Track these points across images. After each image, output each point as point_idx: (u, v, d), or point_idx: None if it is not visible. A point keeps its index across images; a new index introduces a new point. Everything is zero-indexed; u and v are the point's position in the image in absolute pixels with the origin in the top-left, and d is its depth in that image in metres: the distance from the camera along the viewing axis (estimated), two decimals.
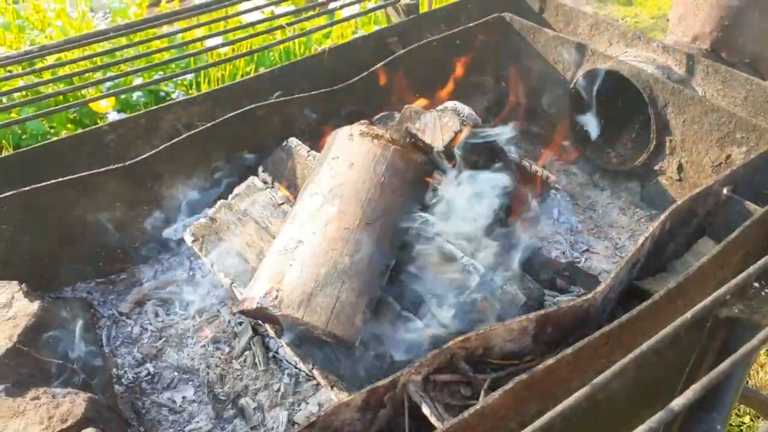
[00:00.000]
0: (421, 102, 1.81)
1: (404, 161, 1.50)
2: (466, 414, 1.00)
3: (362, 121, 1.75)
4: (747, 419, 2.64)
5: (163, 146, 1.72)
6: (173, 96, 3.39)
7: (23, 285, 1.40)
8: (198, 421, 1.46)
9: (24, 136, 3.14)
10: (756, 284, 1.45)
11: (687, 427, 1.31)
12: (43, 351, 1.30)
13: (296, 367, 1.52)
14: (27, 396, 1.17)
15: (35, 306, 1.33)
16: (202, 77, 3.50)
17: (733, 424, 2.62)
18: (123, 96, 3.25)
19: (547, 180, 1.89)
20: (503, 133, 1.56)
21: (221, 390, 1.52)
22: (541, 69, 2.13)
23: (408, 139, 1.59)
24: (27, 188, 1.58)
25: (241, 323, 1.63)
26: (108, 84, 3.07)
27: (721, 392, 1.32)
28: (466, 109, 1.54)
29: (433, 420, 1.09)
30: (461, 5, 2.31)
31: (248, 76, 2.00)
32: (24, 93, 2.84)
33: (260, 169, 1.75)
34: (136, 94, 3.32)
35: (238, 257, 1.54)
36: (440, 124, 1.53)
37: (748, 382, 2.71)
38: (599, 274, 1.74)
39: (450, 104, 1.55)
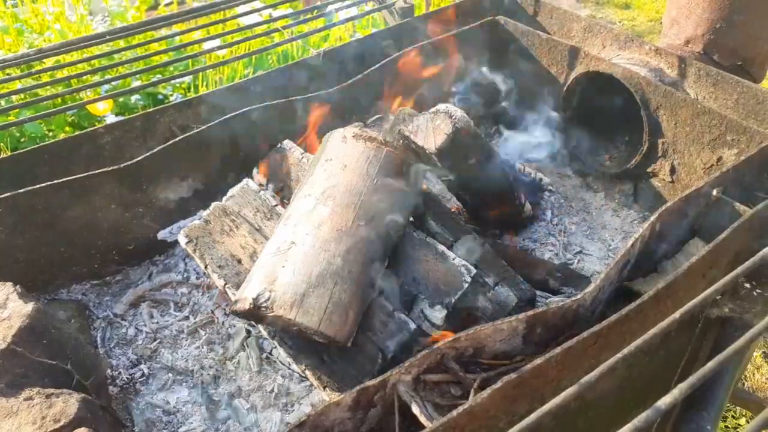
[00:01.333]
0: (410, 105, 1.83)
1: (397, 163, 1.51)
2: (455, 413, 1.01)
3: (356, 124, 1.77)
4: (743, 421, 2.64)
5: (158, 148, 1.73)
6: (171, 99, 3.40)
7: (18, 286, 1.40)
8: (192, 422, 1.47)
9: (22, 139, 3.15)
10: (747, 285, 1.46)
11: (676, 426, 1.32)
12: (37, 352, 1.31)
13: (289, 368, 1.53)
14: (20, 396, 1.18)
15: (29, 307, 1.33)
16: (200, 80, 3.51)
17: (730, 426, 2.62)
18: (121, 99, 3.26)
19: (540, 182, 1.90)
20: None
21: (215, 391, 1.53)
22: (535, 72, 2.14)
23: (401, 141, 1.60)
24: (22, 190, 1.59)
25: (234, 324, 1.64)
26: (106, 87, 3.09)
27: (711, 391, 1.33)
28: (458, 112, 1.55)
29: (422, 419, 1.10)
30: (456, 8, 2.33)
31: (244, 79, 2.01)
32: (22, 95, 2.85)
33: (254, 171, 1.76)
34: (134, 97, 3.33)
35: (232, 259, 1.55)
36: (433, 126, 1.54)
37: (744, 384, 2.71)
38: (592, 275, 1.75)
39: (442, 107, 1.56)
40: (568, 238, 1.89)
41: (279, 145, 1.78)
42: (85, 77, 2.60)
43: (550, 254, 1.83)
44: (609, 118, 2.03)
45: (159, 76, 3.28)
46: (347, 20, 2.68)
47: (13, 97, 2.85)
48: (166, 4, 4.16)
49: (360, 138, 1.53)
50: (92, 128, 1.81)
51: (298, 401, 1.48)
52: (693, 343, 1.50)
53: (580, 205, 2.03)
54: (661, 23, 5.00)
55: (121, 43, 2.97)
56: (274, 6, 2.83)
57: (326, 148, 1.56)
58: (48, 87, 2.54)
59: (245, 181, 1.69)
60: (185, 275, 1.78)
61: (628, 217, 1.99)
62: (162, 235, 1.78)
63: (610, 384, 1.30)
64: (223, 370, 1.57)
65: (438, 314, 1.40)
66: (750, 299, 1.44)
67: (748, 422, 2.63)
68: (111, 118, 3.14)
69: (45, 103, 2.90)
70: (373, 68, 1.99)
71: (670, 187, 1.89)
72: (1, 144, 3.01)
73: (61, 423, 1.14)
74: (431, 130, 1.53)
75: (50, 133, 3.23)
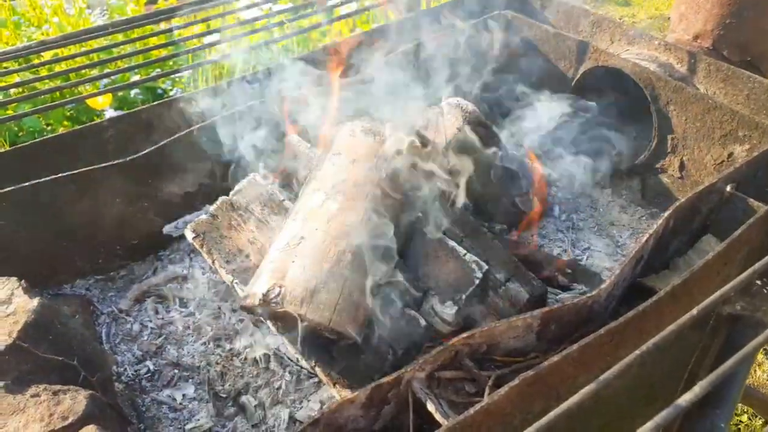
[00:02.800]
0: None
1: (407, 157, 1.49)
2: (471, 411, 0.99)
3: (364, 118, 1.75)
4: (745, 418, 2.64)
5: (163, 142, 1.71)
6: (171, 93, 3.37)
7: (23, 281, 1.38)
8: (198, 419, 1.45)
9: (21, 134, 3.12)
10: (758, 282, 1.45)
11: (690, 424, 1.31)
12: (43, 348, 1.28)
13: (298, 365, 1.51)
14: (27, 393, 1.16)
15: (35, 302, 1.31)
16: (200, 75, 3.48)
17: (731, 422, 2.62)
18: (120, 93, 3.23)
19: (548, 177, 1.89)
20: None
21: (222, 387, 1.51)
22: (543, 67, 2.12)
23: (411, 135, 1.58)
24: (26, 184, 1.57)
25: (242, 320, 1.62)
26: (105, 81, 3.06)
27: (724, 389, 1.32)
28: (470, 106, 1.53)
29: (438, 417, 1.09)
30: (462, 2, 2.31)
31: (246, 73, 1.99)
32: (20, 89, 2.82)
33: (261, 165, 1.74)
34: (133, 92, 3.30)
35: (240, 254, 1.53)
36: (443, 120, 1.52)
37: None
38: (601, 271, 1.73)
39: (453, 100, 1.55)
40: (576, 234, 1.88)
41: (286, 139, 1.76)
42: (83, 71, 2.57)
43: (558, 250, 1.82)
44: (618, 113, 2.01)
45: (158, 70, 3.25)
46: (348, 15, 2.66)
47: (11, 91, 2.82)
48: None
49: (369, 132, 1.51)
50: (96, 122, 1.78)
51: (306, 398, 1.46)
52: (704, 341, 1.50)
53: (588, 201, 2.02)
54: (661, 20, 5.00)
55: (120, 37, 2.93)
56: (274, 0, 2.81)
57: (335, 143, 1.54)
58: (46, 81, 2.50)
59: (252, 175, 1.67)
60: (191, 270, 1.76)
61: (636, 214, 1.98)
62: (167, 229, 1.75)
63: (624, 381, 1.29)
64: (230, 367, 1.55)
65: (449, 310, 1.38)
66: (761, 297, 1.43)
67: (749, 419, 2.63)
68: (110, 113, 3.11)
69: (43, 97, 2.87)
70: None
71: (679, 183, 1.88)
72: (0, 138, 2.97)
73: (70, 420, 1.12)
74: (442, 124, 1.51)
75: (48, 128, 3.19)
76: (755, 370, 2.82)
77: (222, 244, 1.54)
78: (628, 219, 1.96)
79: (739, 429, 2.61)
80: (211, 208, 1.60)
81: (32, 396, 1.15)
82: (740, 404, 2.63)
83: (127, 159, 1.66)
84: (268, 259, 1.39)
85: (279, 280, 1.32)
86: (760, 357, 2.88)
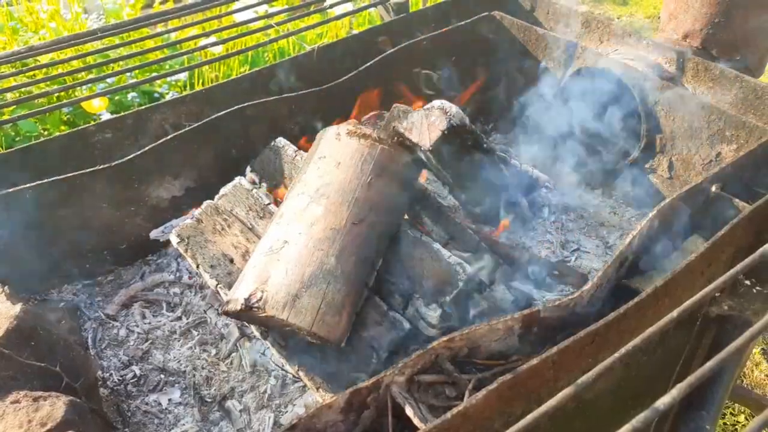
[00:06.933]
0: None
1: (391, 160, 1.49)
2: (448, 415, 0.99)
3: (350, 121, 1.75)
4: (742, 418, 2.62)
5: (149, 146, 1.71)
6: (167, 97, 3.37)
7: (5, 287, 1.38)
8: (184, 424, 1.45)
9: (17, 138, 3.12)
10: (747, 282, 1.44)
11: (675, 425, 1.30)
12: (26, 354, 1.28)
13: (282, 369, 1.51)
14: (7, 400, 1.16)
15: (17, 308, 1.31)
16: (196, 78, 3.49)
17: (728, 423, 2.60)
18: (117, 97, 3.24)
19: (537, 179, 1.88)
20: None
21: (207, 392, 1.50)
22: (531, 68, 2.11)
23: (395, 138, 1.58)
24: (11, 189, 1.57)
25: (227, 325, 1.62)
26: (102, 84, 3.06)
27: (710, 391, 1.31)
28: (453, 108, 1.53)
29: (416, 421, 1.08)
30: (451, 3, 2.30)
31: (238, 76, 1.99)
32: (16, 93, 2.82)
33: (247, 169, 1.74)
34: (130, 95, 3.31)
35: (224, 258, 1.53)
36: (427, 123, 1.51)
37: (742, 381, 2.70)
38: (589, 272, 1.73)
39: (437, 103, 1.54)
40: (566, 236, 1.87)
41: (272, 143, 1.76)
42: (79, 74, 2.57)
43: (547, 251, 1.81)
44: (606, 113, 2.00)
45: (155, 73, 3.25)
46: (343, 16, 2.65)
47: (7, 95, 2.82)
48: (162, 2, 4.13)
49: (354, 135, 1.51)
50: (84, 126, 1.78)
51: (291, 402, 1.46)
52: (691, 342, 1.49)
53: (578, 202, 2.01)
54: (658, 20, 4.97)
55: (116, 41, 2.94)
56: (269, 1, 2.81)
57: (320, 146, 1.54)
58: (42, 84, 2.51)
59: (238, 179, 1.67)
60: (178, 275, 1.76)
61: (625, 214, 1.97)
62: (154, 234, 1.75)
63: (607, 384, 1.28)
64: (215, 371, 1.55)
65: (433, 313, 1.37)
66: (749, 296, 1.42)
67: (746, 419, 2.62)
68: (106, 116, 3.12)
69: (39, 101, 2.88)
70: (366, 66, 1.97)
71: (668, 183, 1.87)
72: None
73: (48, 426, 1.12)
74: (426, 127, 1.51)
75: (45, 132, 3.20)
76: (752, 371, 2.80)
77: (206, 249, 1.54)
78: (617, 220, 1.95)
79: (736, 429, 2.59)
80: (197, 212, 1.60)
81: (12, 402, 1.15)
82: (737, 405, 2.61)
83: (114, 164, 1.66)
84: (251, 264, 1.39)
85: (261, 285, 1.32)
86: (757, 357, 2.86)
